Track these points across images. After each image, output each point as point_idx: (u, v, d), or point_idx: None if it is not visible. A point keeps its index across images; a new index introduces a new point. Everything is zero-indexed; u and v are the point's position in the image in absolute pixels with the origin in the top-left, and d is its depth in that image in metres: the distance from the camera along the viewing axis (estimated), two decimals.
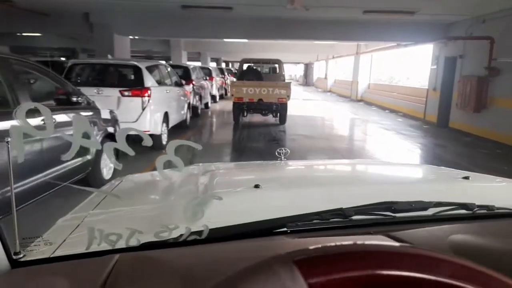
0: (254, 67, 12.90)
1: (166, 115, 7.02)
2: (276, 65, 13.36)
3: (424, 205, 0.94)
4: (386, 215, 0.92)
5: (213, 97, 16.39)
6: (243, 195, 1.13)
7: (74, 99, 3.91)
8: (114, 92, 6.08)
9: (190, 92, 10.89)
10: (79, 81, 6.35)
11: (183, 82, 8.89)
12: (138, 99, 6.12)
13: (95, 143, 0.78)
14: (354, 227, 0.90)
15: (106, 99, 6.01)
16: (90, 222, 0.99)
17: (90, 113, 3.87)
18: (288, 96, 9.88)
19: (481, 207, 0.98)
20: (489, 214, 0.98)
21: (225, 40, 17.94)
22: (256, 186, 1.11)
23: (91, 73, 6.54)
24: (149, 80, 6.39)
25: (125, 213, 1.06)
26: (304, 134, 9.21)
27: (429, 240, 0.81)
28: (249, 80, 10.57)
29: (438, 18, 9.91)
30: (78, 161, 3.89)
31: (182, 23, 11.13)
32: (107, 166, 4.66)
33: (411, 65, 23.84)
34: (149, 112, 6.24)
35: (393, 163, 3.07)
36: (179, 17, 10.94)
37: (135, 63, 6.30)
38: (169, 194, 1.19)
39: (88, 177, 4.25)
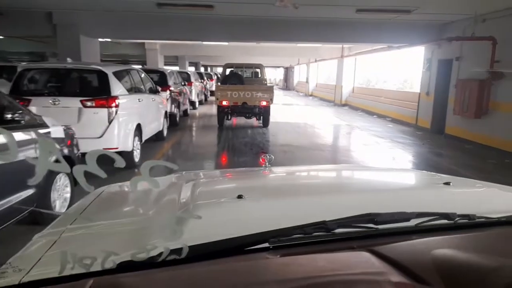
0: (237, 72, 13.02)
1: (138, 128, 6.06)
2: (258, 70, 13.68)
3: (406, 216, 0.93)
4: (369, 227, 0.90)
5: (192, 104, 15.43)
6: (225, 207, 1.10)
7: (9, 115, 2.94)
8: (74, 102, 5.08)
9: (167, 99, 9.93)
10: (31, 89, 5.32)
11: (159, 88, 7.92)
12: (104, 111, 5.15)
13: (64, 166, 0.71)
14: (337, 241, 0.89)
15: (64, 112, 5.02)
16: (67, 238, 0.96)
17: (29, 137, 2.89)
18: (271, 100, 10.27)
19: (462, 216, 0.97)
20: (470, 224, 0.98)
21: (205, 43, 17.07)
22: (239, 197, 1.09)
23: (47, 80, 5.51)
24: (117, 88, 5.42)
25: (103, 228, 1.03)
26: (295, 145, 8.39)
27: (412, 255, 0.79)
28: (232, 84, 11.09)
29: (433, 18, 9.33)
30: (15, 198, 2.92)
31: (158, 23, 10.16)
32: (61, 198, 3.68)
33: (399, 68, 23.52)
34: (117, 125, 5.27)
35: (377, 168, 2.96)
36: (155, 17, 9.98)
37: (100, 67, 5.32)
38: (149, 206, 1.14)
39: (34, 215, 3.27)
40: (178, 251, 0.74)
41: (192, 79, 15.68)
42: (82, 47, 9.71)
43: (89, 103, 5.09)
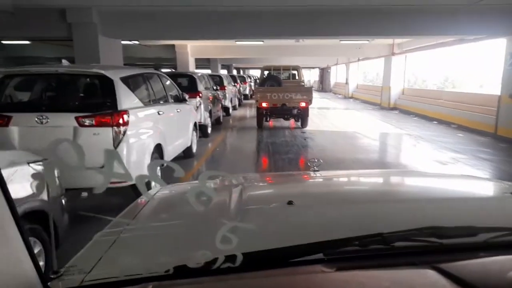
0: (275, 74, 13.24)
1: (158, 149, 4.64)
2: (295, 71, 14.06)
3: (474, 231, 0.84)
4: (431, 241, 0.82)
5: (225, 110, 14.05)
6: (277, 213, 1.10)
7: None
8: (67, 120, 3.70)
9: (197, 108, 8.53)
10: (12, 103, 4.00)
11: (186, 96, 6.50)
12: (108, 130, 3.74)
13: (127, 175, 0.72)
14: (396, 256, 0.82)
15: (55, 133, 3.65)
16: (125, 238, 0.98)
17: None
18: (310, 101, 10.40)
19: None
20: None
21: (237, 43, 15.68)
22: (290, 203, 1.09)
23: (34, 90, 4.19)
24: (127, 99, 4.01)
25: (159, 229, 1.04)
26: (349, 161, 6.73)
27: (485, 275, 0.71)
28: (271, 86, 11.29)
29: None
30: None
31: (187, 21, 8.82)
32: None
33: (462, 66, 21.21)
34: (126, 149, 3.85)
35: (433, 174, 2.50)
36: (181, 14, 8.65)
37: (103, 71, 3.91)
38: (202, 211, 0.96)
39: None
40: (232, 259, 0.73)
41: (225, 83, 14.30)
42: (101, 49, 8.51)
43: (87, 121, 3.70)
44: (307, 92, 10.60)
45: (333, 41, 15.73)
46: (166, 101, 5.47)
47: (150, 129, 4.50)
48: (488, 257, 0.78)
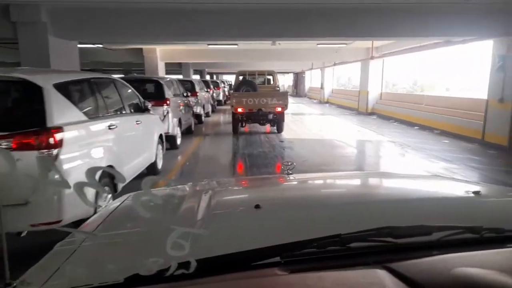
0: (250, 79, 12.94)
1: (106, 177, 3.70)
2: (271, 76, 13.83)
3: (427, 230, 0.86)
4: (387, 241, 0.84)
5: (198, 117, 13.15)
6: (243, 217, 1.10)
7: None
8: None
9: (164, 117, 7.62)
10: None
11: (149, 105, 5.59)
12: (32, 155, 2.80)
13: (64, 183, 0.72)
14: (353, 256, 0.83)
15: None
16: (85, 248, 0.96)
17: None
18: (286, 105, 10.42)
19: (489, 230, 0.89)
20: (499, 238, 0.89)
21: (210, 47, 14.84)
22: (257, 206, 1.08)
23: None
24: (62, 111, 3.08)
25: (120, 238, 1.04)
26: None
27: (431, 273, 0.74)
28: (246, 91, 11.35)
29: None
30: None
31: (152, 21, 7.90)
32: None
33: (443, 69, 21.16)
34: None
35: (401, 175, 2.43)
36: (148, 14, 7.73)
37: (27, 77, 2.95)
38: (168, 216, 1.12)
39: None
40: (186, 265, 0.72)
41: (197, 89, 13.40)
42: (52, 52, 7.45)
43: (3, 143, 2.75)
44: (283, 97, 10.55)
45: (310, 45, 15.16)
46: (122, 112, 4.55)
47: (97, 149, 3.58)
48: (438, 255, 0.81)
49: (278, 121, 10.78)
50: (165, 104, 7.70)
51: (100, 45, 13.79)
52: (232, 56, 17.38)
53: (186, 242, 0.72)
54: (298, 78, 40.52)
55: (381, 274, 0.73)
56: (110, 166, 3.78)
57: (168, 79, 9.38)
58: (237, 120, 10.74)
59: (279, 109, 10.35)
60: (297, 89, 40.56)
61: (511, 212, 1.14)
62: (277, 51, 16.73)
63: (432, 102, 12.38)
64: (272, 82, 13.53)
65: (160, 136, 6.22)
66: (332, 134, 11.55)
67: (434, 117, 11.52)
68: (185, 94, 10.28)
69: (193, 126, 11.10)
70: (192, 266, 0.72)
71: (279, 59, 18.39)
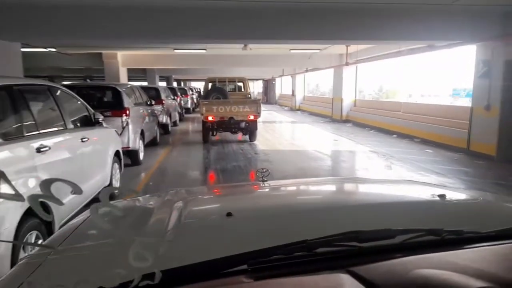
0: (220, 85, 12.23)
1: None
2: (241, 83, 13.21)
3: (390, 233, 0.88)
4: (352, 246, 0.86)
5: (164, 127, 12.11)
6: (214, 226, 1.10)
7: None
8: None
9: (124, 129, 6.63)
10: None
11: (100, 117, 4.59)
12: None
13: (18, 195, 0.66)
14: (319, 261, 0.85)
15: None
16: (51, 261, 0.95)
17: None
18: (259, 113, 10.05)
19: (449, 232, 0.92)
20: (459, 240, 0.94)
21: (176, 52, 13.85)
22: (229, 214, 1.08)
23: None
24: None
25: (87, 251, 1.04)
26: None
27: (391, 276, 0.77)
28: (216, 98, 10.75)
29: (493, 2, 6.55)
30: None
31: (106, 22, 6.89)
32: None
33: (419, 75, 21.10)
34: None
35: (370, 180, 2.38)
36: (100, 12, 6.73)
37: None
38: (138, 227, 1.11)
39: None
40: (151, 276, 0.69)
41: (163, 96, 12.38)
42: None
43: None
44: (255, 104, 10.21)
45: (282, 51, 14.50)
46: (61, 129, 3.55)
47: (17, 181, 2.59)
48: (399, 258, 0.83)
49: (250, 130, 10.35)
50: (124, 115, 6.69)
51: (53, 49, 12.47)
52: (200, 62, 16.44)
53: (149, 253, 0.70)
54: (268, 85, 40.01)
55: (344, 278, 0.75)
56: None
57: (128, 86, 8.34)
58: (207, 129, 10.26)
59: (251, 117, 9.94)
60: (268, 96, 40.01)
61: (472, 214, 1.18)
62: (248, 57, 15.97)
63: (410, 110, 11.98)
64: (243, 89, 12.77)
65: (117, 153, 5.21)
66: (310, 144, 10.85)
67: (414, 125, 11.09)
68: (149, 103, 9.28)
69: (158, 137, 10.07)
70: (157, 277, 0.70)
71: (250, 65, 17.64)
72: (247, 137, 10.67)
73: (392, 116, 12.63)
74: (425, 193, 1.49)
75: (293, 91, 27.01)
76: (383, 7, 6.99)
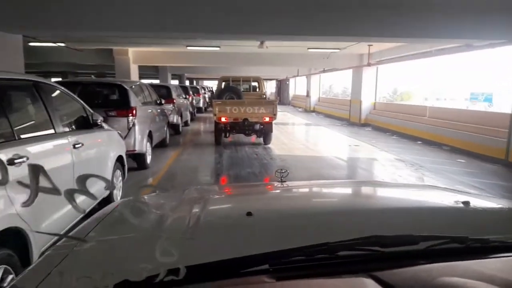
0: (233, 85, 11.75)
1: (14, 239, 2.14)
2: (256, 83, 12.66)
3: (413, 239, 0.87)
4: (374, 250, 0.85)
5: (174, 127, 11.55)
6: (234, 225, 1.10)
7: None
8: None
9: (130, 130, 6.06)
10: None
11: (99, 119, 3.99)
12: None
13: (54, 189, 0.69)
14: (340, 264, 0.85)
15: None
16: (77, 253, 0.97)
17: None
18: (275, 115, 9.46)
19: (475, 240, 0.90)
20: (484, 248, 0.92)
21: (189, 49, 13.29)
22: (249, 214, 1.08)
23: None
24: None
25: (112, 244, 1.03)
26: None
27: (415, 282, 0.77)
28: (230, 98, 10.37)
29: None
30: None
31: (116, 12, 6.30)
32: None
33: (422, 79, 20.26)
34: None
35: (392, 184, 2.39)
36: (111, 1, 6.14)
37: None
38: (159, 223, 1.14)
39: None
40: (175, 272, 0.71)
41: (174, 95, 11.80)
42: None
43: None
44: (271, 105, 9.58)
45: (299, 49, 13.80)
46: (48, 133, 2.94)
47: None
48: (423, 265, 0.82)
49: (265, 132, 9.80)
50: (130, 115, 6.10)
51: (62, 44, 12.00)
52: (214, 60, 15.82)
53: (175, 249, 0.72)
54: (282, 85, 39.30)
55: (366, 282, 0.75)
56: (16, 228, 2.23)
57: (137, 83, 7.77)
58: (220, 131, 9.72)
59: (267, 119, 9.37)
60: (281, 97, 39.27)
61: (497, 222, 1.15)
62: (264, 55, 15.29)
63: (438, 115, 11.15)
64: (258, 90, 12.13)
65: (119, 159, 4.62)
66: (329, 149, 10.15)
67: (442, 132, 10.28)
68: (158, 102, 8.70)
69: (168, 139, 9.49)
70: (182, 272, 0.71)
71: (265, 64, 16.96)
72: (261, 139, 10.10)
73: (416, 121, 11.83)
74: (448, 199, 1.46)
75: (307, 92, 26.26)
76: (421, 1, 6.25)
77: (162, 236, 0.76)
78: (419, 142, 10.92)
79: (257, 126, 9.53)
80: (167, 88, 11.69)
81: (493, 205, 1.42)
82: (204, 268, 0.78)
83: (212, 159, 8.35)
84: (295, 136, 13.02)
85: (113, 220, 1.25)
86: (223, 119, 9.32)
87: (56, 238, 2.83)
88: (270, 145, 10.03)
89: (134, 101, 6.31)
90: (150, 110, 7.36)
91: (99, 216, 1.29)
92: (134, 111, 6.15)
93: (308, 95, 26.11)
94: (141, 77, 27.02)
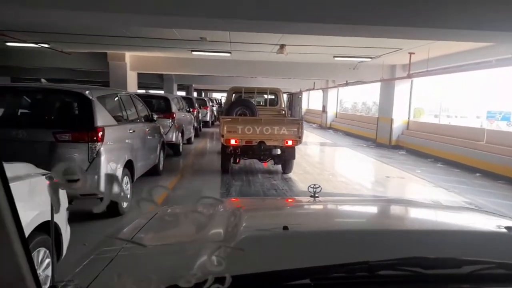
0: (246, 98, 9.55)
1: None
2: (274, 96, 10.17)
3: (456, 263, 0.86)
4: (415, 272, 0.84)
5: (173, 147, 9.54)
6: (272, 238, 1.12)
7: None
8: None
9: (93, 162, 3.99)
10: None
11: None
12: None
13: (124, 197, 0.82)
14: (381, 284, 0.85)
15: None
16: (122, 257, 1.04)
17: None
18: (300, 138, 7.40)
19: None
20: None
21: (194, 54, 11.35)
22: (285, 228, 1.09)
23: None
24: None
25: (155, 250, 1.10)
26: None
27: None
28: (241, 114, 8.52)
29: None
30: None
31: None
32: None
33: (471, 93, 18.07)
34: None
35: (430, 205, 2.39)
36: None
37: None
38: (199, 232, 1.06)
39: None
40: (222, 280, 0.73)
41: (174, 108, 9.75)
42: None
43: None
44: (296, 125, 7.46)
45: (324, 58, 11.77)
46: None
47: None
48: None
49: (286, 158, 7.77)
50: (94, 139, 4.02)
51: (45, 45, 10.11)
52: (224, 68, 13.82)
53: (223, 258, 0.75)
54: (294, 99, 37.28)
55: None
56: None
57: (111, 92, 5.67)
58: (228, 156, 7.69)
59: (289, 142, 7.37)
60: (292, 111, 37.18)
61: None
62: (281, 65, 13.27)
63: (500, 140, 8.92)
64: (277, 104, 9.89)
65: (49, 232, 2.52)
66: (366, 182, 7.99)
67: (507, 162, 8.06)
68: (150, 117, 6.67)
69: (162, 164, 7.41)
70: (228, 281, 0.73)
71: (282, 74, 14.94)
72: (278, 166, 8.11)
73: (469, 147, 9.60)
74: (490, 223, 1.41)
75: (324, 107, 24.17)
76: None
77: (212, 245, 0.77)
78: (478, 174, 8.68)
79: (277, 151, 7.52)
80: (166, 100, 9.63)
81: None
82: (248, 278, 0.81)
83: (217, 195, 6.22)
84: (319, 161, 10.86)
85: (155, 226, 1.34)
86: (232, 142, 7.25)
87: None
88: (290, 174, 7.92)
89: (101, 118, 4.21)
90: (132, 131, 5.27)
91: (141, 222, 1.37)
92: (100, 134, 4.07)
93: (324, 111, 24.02)
94: (143, 87, 25.10)
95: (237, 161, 7.94)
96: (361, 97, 46.49)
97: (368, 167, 9.89)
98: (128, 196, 4.93)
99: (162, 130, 7.50)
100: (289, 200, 2.76)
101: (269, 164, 8.45)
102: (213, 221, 1.25)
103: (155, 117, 6.80)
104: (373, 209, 1.81)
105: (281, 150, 7.55)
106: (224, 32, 8.43)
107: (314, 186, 1.68)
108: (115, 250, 1.06)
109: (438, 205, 2.71)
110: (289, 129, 7.31)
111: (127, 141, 4.98)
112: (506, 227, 1.15)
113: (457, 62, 10.01)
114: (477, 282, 0.83)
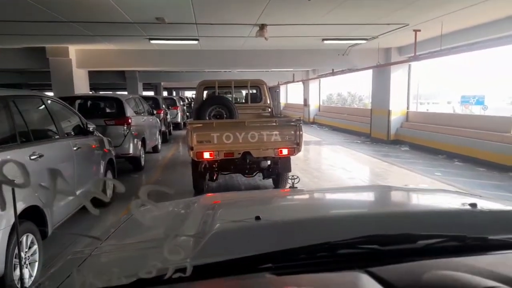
0: (221, 94, 7.48)
1: None
2: (256, 90, 7.78)
3: (412, 238, 0.91)
4: (373, 248, 0.90)
5: (132, 161, 7.50)
6: (241, 228, 1.13)
7: None
8: None
9: None
10: None
11: None
12: None
13: (70, 191, 0.84)
14: (340, 262, 0.88)
15: None
16: (96, 256, 1.07)
17: None
18: (298, 144, 5.48)
19: (473, 238, 0.93)
20: (483, 246, 0.94)
21: (152, 43, 9.24)
22: (257, 218, 1.10)
23: None
24: None
25: (128, 247, 1.16)
26: None
27: (408, 277, 0.79)
28: (216, 116, 6.50)
29: None
30: None
31: None
32: None
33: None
34: None
35: (402, 188, 2.20)
36: None
37: None
38: (173, 227, 1.21)
39: None
40: (183, 270, 0.76)
41: (129, 112, 7.62)
42: None
43: None
44: (293, 128, 5.53)
45: (311, 42, 9.90)
46: None
47: None
48: (418, 261, 0.84)
49: (279, 172, 5.96)
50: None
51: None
52: (192, 60, 11.70)
53: (182, 248, 0.77)
54: (271, 94, 35.56)
55: (361, 277, 0.78)
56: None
57: (20, 93, 3.60)
58: (201, 174, 5.73)
59: (284, 151, 5.48)
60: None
61: (501, 223, 1.13)
62: (260, 53, 11.35)
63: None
64: (261, 100, 7.77)
65: None
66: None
67: None
68: (90, 129, 4.63)
69: (111, 190, 5.30)
70: (189, 270, 0.74)
71: (261, 65, 12.96)
72: (267, 179, 6.34)
73: (493, 140, 8.00)
74: (456, 202, 1.44)
75: (305, 100, 22.43)
76: None
77: (170, 236, 0.80)
78: (482, 169, 7.07)
79: (266, 163, 5.69)
80: (118, 102, 7.48)
81: (501, 207, 1.37)
82: (210, 267, 0.83)
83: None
84: (314, 166, 8.98)
85: (130, 225, 1.36)
86: (206, 155, 5.28)
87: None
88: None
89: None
90: (35, 157, 3.21)
91: (118, 222, 1.43)
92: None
93: (306, 104, 22.29)
94: (100, 88, 22.52)
95: (214, 177, 5.99)
96: (335, 88, 45.23)
97: (376, 173, 8.08)
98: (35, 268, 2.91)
99: (107, 144, 5.43)
100: (267, 191, 2.81)
101: (256, 178, 6.56)
102: (188, 217, 1.37)
103: (90, 127, 4.72)
104: (346, 196, 1.82)
105: (272, 161, 5.71)
106: (187, 9, 6.42)
107: (293, 177, 1.72)
108: (89, 250, 1.09)
109: (411, 188, 2.61)
110: (284, 134, 5.43)
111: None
112: (470, 204, 1.16)
113: (472, 39, 8.36)
114: (430, 254, 0.86)
